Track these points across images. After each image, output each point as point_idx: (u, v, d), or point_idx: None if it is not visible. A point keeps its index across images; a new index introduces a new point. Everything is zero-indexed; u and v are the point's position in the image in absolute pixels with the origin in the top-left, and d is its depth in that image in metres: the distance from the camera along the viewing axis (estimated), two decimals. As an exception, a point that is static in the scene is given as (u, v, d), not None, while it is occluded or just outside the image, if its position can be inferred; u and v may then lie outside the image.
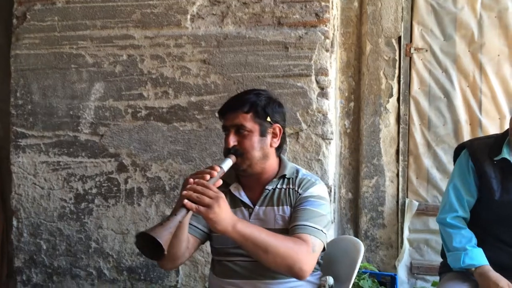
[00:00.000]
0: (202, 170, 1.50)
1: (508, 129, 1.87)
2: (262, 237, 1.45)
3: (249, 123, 1.63)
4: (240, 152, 1.61)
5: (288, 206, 1.65)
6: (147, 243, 1.28)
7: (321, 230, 1.56)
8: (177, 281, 2.88)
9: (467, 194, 1.89)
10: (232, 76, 2.76)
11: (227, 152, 1.62)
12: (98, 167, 2.92)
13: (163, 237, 1.27)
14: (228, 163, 1.57)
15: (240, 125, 1.63)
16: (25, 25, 2.94)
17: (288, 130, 2.68)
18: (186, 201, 1.36)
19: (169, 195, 2.86)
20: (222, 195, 1.42)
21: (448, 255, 1.93)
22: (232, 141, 1.62)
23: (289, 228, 1.58)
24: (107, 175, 2.92)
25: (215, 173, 1.46)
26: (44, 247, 2.98)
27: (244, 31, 2.74)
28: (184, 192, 1.38)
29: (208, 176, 1.44)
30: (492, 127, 2.88)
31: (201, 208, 1.36)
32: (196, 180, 1.42)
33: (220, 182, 1.48)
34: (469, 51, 2.94)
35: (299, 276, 1.51)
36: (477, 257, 1.83)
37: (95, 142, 2.92)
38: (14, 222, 3.00)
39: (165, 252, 1.27)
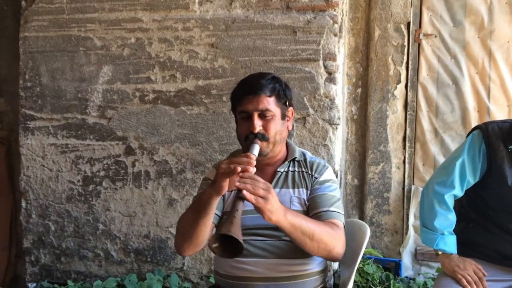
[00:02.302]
0: (238, 159, 1.45)
1: None
2: (308, 225, 1.49)
3: (273, 106, 1.63)
4: (266, 137, 1.61)
5: (304, 189, 1.68)
6: (222, 242, 1.32)
7: (343, 214, 1.65)
8: (183, 264, 2.91)
9: (470, 175, 1.87)
10: (240, 60, 2.76)
11: (253, 137, 1.59)
12: (106, 150, 2.95)
13: (239, 235, 1.30)
14: (257, 149, 1.55)
15: (265, 109, 1.62)
16: (34, 7, 2.94)
17: (295, 115, 2.68)
18: (245, 192, 1.35)
19: (176, 178, 2.88)
20: (271, 185, 1.43)
21: (422, 229, 1.94)
22: (258, 125, 1.61)
23: (316, 214, 1.61)
24: (114, 158, 2.94)
25: (254, 163, 1.44)
26: (53, 229, 3.02)
27: (252, 15, 2.73)
28: (238, 184, 1.37)
29: (251, 168, 1.41)
30: (500, 114, 2.86)
31: (259, 200, 1.37)
32: (243, 172, 1.40)
33: (255, 169, 1.46)
34: (478, 37, 2.92)
35: (335, 259, 1.58)
36: (450, 245, 1.87)
37: (103, 125, 2.94)
38: (23, 204, 3.03)
39: (243, 248, 1.30)
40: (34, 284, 3.01)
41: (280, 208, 1.43)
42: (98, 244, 2.98)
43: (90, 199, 2.98)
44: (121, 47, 2.88)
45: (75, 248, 3.00)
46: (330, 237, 1.53)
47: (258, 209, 1.39)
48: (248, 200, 1.36)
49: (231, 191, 1.61)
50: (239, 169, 1.39)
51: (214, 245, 1.34)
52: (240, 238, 1.29)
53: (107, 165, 2.95)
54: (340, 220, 1.62)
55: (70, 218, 3.00)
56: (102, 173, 2.96)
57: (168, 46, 2.83)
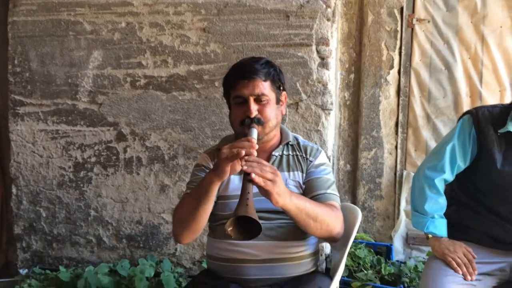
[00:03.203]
0: (240, 143, 1.43)
1: None
2: (312, 207, 1.51)
3: (268, 91, 1.63)
4: (262, 121, 1.61)
5: (300, 172, 1.69)
6: (237, 226, 1.32)
7: (338, 196, 1.69)
8: (175, 249, 2.91)
9: (460, 159, 1.88)
10: (232, 45, 2.74)
11: (249, 121, 1.59)
12: (97, 135, 2.92)
13: (256, 216, 1.29)
14: (255, 134, 1.55)
15: (261, 94, 1.61)
16: (22, -10, 2.89)
17: (288, 100, 2.67)
18: (254, 176, 1.34)
19: (168, 164, 2.86)
20: (276, 168, 1.42)
21: (413, 214, 1.97)
22: (255, 110, 1.60)
23: (314, 196, 1.62)
24: (106, 144, 2.92)
25: (256, 146, 1.43)
26: (44, 215, 3.00)
27: (245, -1, 2.70)
28: (246, 168, 1.36)
29: (254, 152, 1.40)
30: (492, 100, 2.87)
31: (268, 183, 1.36)
32: (248, 156, 1.38)
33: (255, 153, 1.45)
34: (471, 22, 2.91)
35: (335, 239, 1.62)
36: (440, 228, 1.89)
37: (93, 110, 2.91)
38: (14, 190, 3.01)
39: (261, 229, 1.30)
40: (26, 270, 3.00)
41: (286, 191, 1.44)
42: (90, 230, 2.97)
43: (82, 185, 2.96)
44: (112, 31, 2.84)
45: (67, 234, 2.99)
46: (331, 218, 1.55)
47: (265, 192, 1.38)
48: (256, 183, 1.35)
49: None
50: (243, 152, 1.38)
51: (230, 229, 1.33)
52: (258, 219, 1.29)
53: (98, 151, 2.93)
54: (337, 202, 1.65)
55: (61, 204, 2.99)
56: (93, 159, 2.94)
57: (159, 30, 2.80)
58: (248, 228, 1.32)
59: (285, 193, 1.42)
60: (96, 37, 2.86)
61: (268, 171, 1.37)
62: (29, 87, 2.95)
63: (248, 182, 1.36)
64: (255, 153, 1.40)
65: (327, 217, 1.54)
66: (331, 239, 1.62)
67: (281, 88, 1.71)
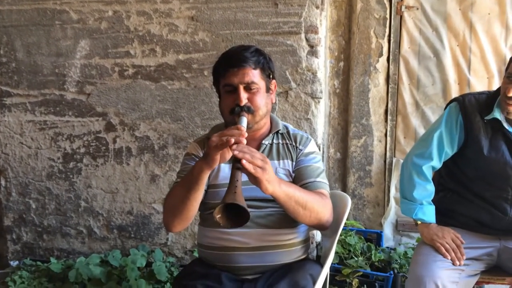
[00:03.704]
0: (230, 131, 1.41)
1: (499, 87, 1.86)
2: (301, 195, 1.51)
3: (258, 79, 1.63)
4: (252, 110, 1.61)
5: (289, 160, 1.70)
6: (225, 213, 1.32)
7: (328, 185, 1.70)
8: (167, 239, 2.92)
9: (448, 146, 1.90)
10: (221, 33, 2.72)
11: (239, 110, 1.58)
12: (86, 126, 2.90)
13: (244, 203, 1.29)
14: (245, 122, 1.54)
15: (251, 82, 1.61)
16: (6, -21, 2.84)
17: (278, 89, 2.66)
18: (244, 162, 1.34)
19: (158, 154, 2.86)
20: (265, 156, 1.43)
21: (402, 201, 1.99)
22: (244, 98, 1.60)
23: (303, 184, 1.63)
24: (95, 134, 2.90)
25: (246, 134, 1.42)
26: (34, 206, 2.99)
27: (233, -13, 2.68)
28: (236, 153, 1.35)
29: (243, 140, 1.39)
30: (480, 87, 2.88)
31: (258, 170, 1.36)
32: (237, 144, 1.37)
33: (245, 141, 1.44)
34: (459, 9, 2.91)
35: (325, 227, 1.63)
36: (429, 214, 1.92)
37: (82, 101, 2.88)
38: (2, 182, 2.99)
39: (249, 217, 1.30)
40: (17, 262, 2.99)
41: (276, 178, 1.44)
42: (80, 221, 2.97)
43: (71, 176, 2.94)
44: (98, 20, 2.80)
45: (57, 226, 2.98)
46: (321, 206, 1.56)
47: (255, 180, 1.38)
48: (246, 170, 1.35)
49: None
50: (232, 140, 1.38)
51: (218, 216, 1.33)
52: (246, 206, 1.29)
53: (88, 141, 2.91)
54: (327, 190, 1.66)
55: (51, 195, 2.97)
56: (82, 150, 2.92)
57: (147, 19, 2.77)
58: (236, 216, 1.32)
59: (275, 181, 1.42)
60: (82, 26, 2.82)
61: (258, 158, 1.37)
62: (16, 78, 2.92)
63: (237, 170, 1.36)
64: (245, 141, 1.40)
65: (316, 205, 1.54)
66: (320, 227, 1.63)
67: (271, 76, 1.70)
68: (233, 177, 1.36)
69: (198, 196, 1.54)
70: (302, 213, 1.52)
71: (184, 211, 1.54)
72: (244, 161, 1.34)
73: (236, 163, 1.37)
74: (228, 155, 1.45)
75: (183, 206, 1.54)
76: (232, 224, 1.35)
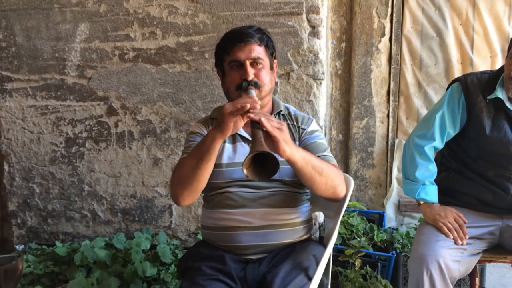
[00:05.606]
0: (243, 99, 1.42)
1: (502, 66, 1.85)
2: (317, 160, 1.51)
3: (263, 55, 1.64)
4: (259, 85, 1.61)
5: (293, 141, 1.67)
6: (253, 166, 1.30)
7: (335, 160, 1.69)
8: (171, 222, 2.94)
9: (450, 127, 1.90)
10: (221, 15, 2.69)
11: (247, 84, 1.58)
12: (87, 110, 2.90)
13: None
14: (253, 94, 1.54)
15: (257, 57, 1.61)
16: (3, -38, 2.81)
17: (279, 71, 2.66)
18: (263, 119, 1.34)
19: (160, 137, 2.86)
20: None
21: (405, 181, 2.00)
22: (251, 73, 1.60)
23: None
24: (96, 118, 2.90)
25: (259, 101, 1.43)
26: (37, 191, 3.00)
27: (233, -33, 2.64)
28: (252, 116, 1.36)
29: (258, 106, 1.40)
30: (483, 66, 2.86)
31: (275, 130, 1.36)
32: (252, 109, 1.38)
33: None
34: (463, -13, 2.88)
35: (339, 197, 1.60)
36: (431, 194, 1.92)
37: (83, 85, 2.87)
38: (6, 167, 3.00)
39: (279, 166, 1.29)
40: (22, 246, 3.02)
41: (292, 142, 1.44)
42: (84, 205, 2.98)
43: (74, 160, 2.95)
44: (98, 3, 2.78)
45: (62, 210, 3.00)
46: (336, 174, 1.56)
47: (273, 141, 1.36)
48: (265, 128, 1.34)
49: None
50: (248, 106, 1.38)
51: (247, 168, 1.31)
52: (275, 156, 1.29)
53: (89, 126, 2.91)
54: (335, 163, 1.66)
55: (54, 180, 2.99)
56: (84, 134, 2.92)
57: (146, 1, 2.74)
58: (263, 167, 1.30)
59: (291, 143, 1.42)
60: (82, 9, 2.79)
61: (274, 120, 1.38)
62: (16, 62, 2.90)
63: (257, 129, 1.35)
64: (259, 107, 1.40)
65: (331, 173, 1.53)
66: (335, 197, 1.59)
67: (273, 55, 1.71)
68: (255, 136, 1.36)
69: (210, 167, 1.52)
70: (318, 179, 1.50)
71: (195, 182, 1.52)
72: (262, 119, 1.34)
73: (254, 124, 1.37)
74: (241, 123, 1.46)
75: (193, 176, 1.51)
76: (260, 176, 1.33)
